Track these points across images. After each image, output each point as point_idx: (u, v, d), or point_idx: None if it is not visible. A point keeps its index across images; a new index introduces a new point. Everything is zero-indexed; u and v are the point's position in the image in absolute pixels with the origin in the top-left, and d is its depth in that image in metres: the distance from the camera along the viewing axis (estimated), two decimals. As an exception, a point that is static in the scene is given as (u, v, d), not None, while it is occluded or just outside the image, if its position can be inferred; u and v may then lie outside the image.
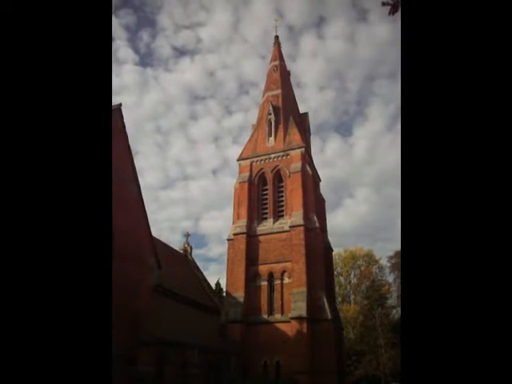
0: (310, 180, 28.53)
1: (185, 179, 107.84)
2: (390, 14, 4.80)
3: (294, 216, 26.91)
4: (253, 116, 42.68)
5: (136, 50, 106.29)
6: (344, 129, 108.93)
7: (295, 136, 29.84)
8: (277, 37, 36.62)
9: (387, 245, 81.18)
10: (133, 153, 17.85)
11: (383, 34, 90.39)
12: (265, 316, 25.45)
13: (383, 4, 4.80)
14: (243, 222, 27.91)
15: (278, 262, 26.33)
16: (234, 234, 27.67)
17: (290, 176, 28.44)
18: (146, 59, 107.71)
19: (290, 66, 36.33)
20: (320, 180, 32.89)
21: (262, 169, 29.81)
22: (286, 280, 25.88)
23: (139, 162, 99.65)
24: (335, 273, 40.51)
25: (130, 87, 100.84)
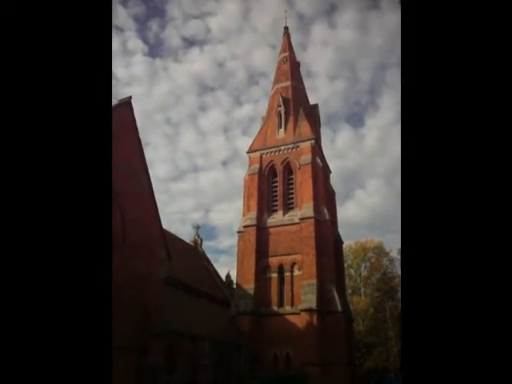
0: (320, 172, 28.42)
1: (195, 171, 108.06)
2: (399, 2, 4.75)
3: (304, 208, 26.86)
4: (263, 107, 42.61)
5: (145, 41, 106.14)
6: (355, 119, 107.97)
7: (305, 128, 29.70)
8: (286, 28, 36.35)
9: (398, 237, 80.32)
10: (143, 144, 17.89)
11: (395, 22, 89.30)
12: (275, 308, 25.51)
13: (395, -8, 4.75)
14: (253, 214, 27.90)
15: (288, 254, 26.33)
16: (244, 227, 27.70)
17: (299, 168, 28.35)
18: (155, 50, 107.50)
19: (300, 55, 36.13)
20: (330, 172, 32.75)
21: (271, 161, 29.73)
22: (296, 272, 25.89)
23: (149, 154, 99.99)
24: (345, 265, 40.46)
25: (139, 78, 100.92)
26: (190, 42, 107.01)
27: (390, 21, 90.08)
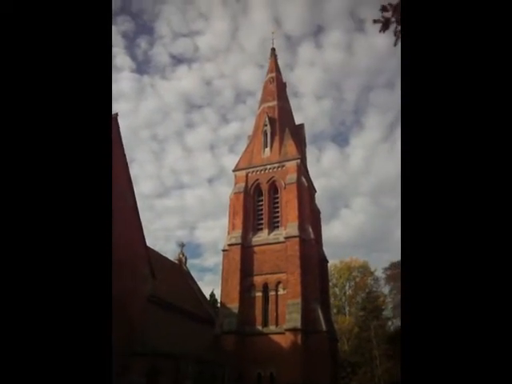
0: (306, 191, 28.59)
1: (180, 188, 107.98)
2: (380, 31, 4.93)
3: (289, 227, 26.92)
4: (249, 125, 42.93)
5: (133, 57, 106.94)
6: (341, 139, 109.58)
7: (291, 147, 29.98)
8: (273, 49, 36.95)
9: (383, 255, 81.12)
10: (128, 161, 17.92)
11: (381, 44, 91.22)
12: (259, 327, 25.31)
13: (374, 21, 4.93)
14: (238, 232, 27.86)
15: (272, 273, 26.24)
16: (229, 245, 27.60)
17: (285, 187, 28.50)
18: (143, 66, 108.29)
19: (287, 75, 36.72)
20: (315, 191, 32.98)
21: (257, 180, 29.85)
22: (281, 291, 25.80)
23: (134, 170, 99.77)
24: (330, 284, 40.45)
25: (126, 94, 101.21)
26: (178, 60, 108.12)
27: (376, 42, 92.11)
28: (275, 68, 35.69)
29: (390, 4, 4.72)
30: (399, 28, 4.74)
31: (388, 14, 4.78)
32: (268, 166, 29.85)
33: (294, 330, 23.59)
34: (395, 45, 4.92)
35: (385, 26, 4.83)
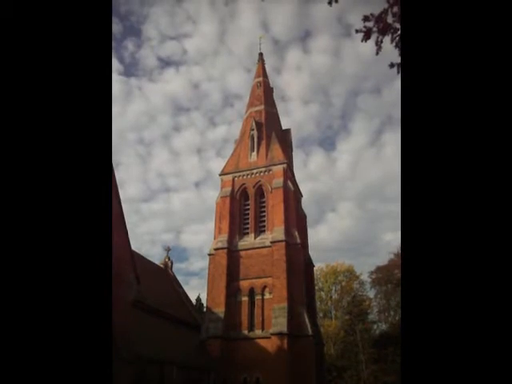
0: (292, 196, 28.70)
1: (167, 191, 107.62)
2: (362, 40, 4.99)
3: (276, 231, 26.97)
4: (237, 128, 42.97)
5: (121, 60, 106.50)
6: (327, 143, 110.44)
7: (277, 152, 30.08)
8: (261, 53, 37.10)
9: (370, 259, 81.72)
10: (114, 164, 17.82)
11: (368, 50, 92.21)
12: (245, 332, 25.28)
13: (357, 31, 4.99)
14: (224, 236, 27.84)
15: (258, 278, 26.26)
16: (215, 249, 27.56)
17: (271, 192, 28.58)
18: (130, 69, 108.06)
19: (274, 79, 36.92)
20: (302, 195, 33.12)
21: (244, 184, 29.89)
22: (267, 295, 25.80)
23: (121, 174, 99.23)
24: (316, 288, 40.58)
25: (113, 97, 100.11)
26: (165, 63, 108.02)
27: (363, 48, 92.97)
28: (262, 73, 35.84)
29: (371, 14, 4.77)
30: (381, 38, 4.81)
31: (370, 24, 4.84)
32: (254, 171, 29.92)
33: (280, 335, 23.58)
34: (377, 54, 5.00)
35: (366, 35, 4.89)
